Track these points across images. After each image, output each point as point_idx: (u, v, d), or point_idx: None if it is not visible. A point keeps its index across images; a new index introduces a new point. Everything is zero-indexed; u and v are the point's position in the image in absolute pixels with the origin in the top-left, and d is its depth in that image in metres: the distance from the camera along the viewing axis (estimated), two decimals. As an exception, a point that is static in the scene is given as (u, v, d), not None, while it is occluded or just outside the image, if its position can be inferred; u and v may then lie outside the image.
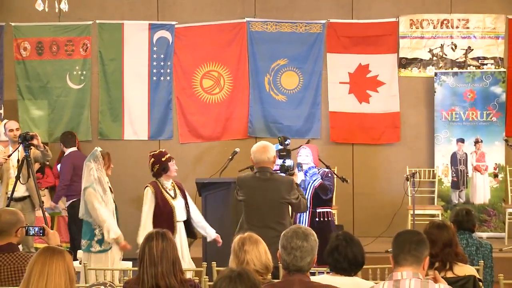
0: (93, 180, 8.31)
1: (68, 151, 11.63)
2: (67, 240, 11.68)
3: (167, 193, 8.48)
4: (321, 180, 9.04)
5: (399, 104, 12.77)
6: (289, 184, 7.90)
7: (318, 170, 9.21)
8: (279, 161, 8.53)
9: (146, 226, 8.29)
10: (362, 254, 5.34)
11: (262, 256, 5.10)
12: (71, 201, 11.46)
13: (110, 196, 8.44)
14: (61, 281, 4.30)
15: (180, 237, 8.50)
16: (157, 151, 8.68)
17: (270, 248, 5.15)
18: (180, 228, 8.52)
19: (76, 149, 11.74)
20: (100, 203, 8.29)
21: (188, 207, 8.65)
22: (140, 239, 7.85)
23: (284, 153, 8.61)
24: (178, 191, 8.62)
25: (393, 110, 12.78)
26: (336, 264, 5.26)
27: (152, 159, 8.52)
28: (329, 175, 9.18)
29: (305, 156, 9.31)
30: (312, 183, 9.01)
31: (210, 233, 8.75)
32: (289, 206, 8.00)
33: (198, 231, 8.84)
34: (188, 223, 8.64)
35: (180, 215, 8.51)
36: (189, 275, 6.83)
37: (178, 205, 8.50)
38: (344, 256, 5.24)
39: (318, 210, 9.10)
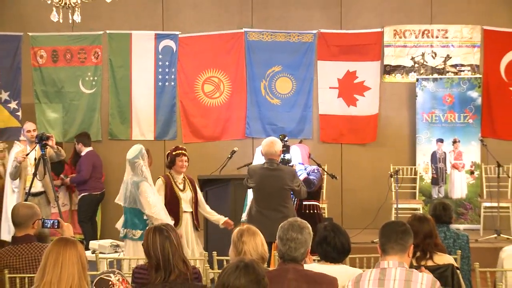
0: (145, 176, 8.12)
1: (86, 150, 11.72)
2: (80, 232, 11.69)
3: (177, 186, 8.51)
4: (306, 175, 9.06)
5: (384, 107, 12.79)
6: (292, 174, 8.42)
7: (305, 167, 9.22)
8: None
9: (157, 205, 8.25)
10: (348, 242, 5.33)
11: (258, 247, 5.10)
12: (82, 194, 11.54)
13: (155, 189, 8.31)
14: (74, 269, 4.31)
15: (187, 227, 8.52)
16: (174, 146, 8.76)
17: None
18: (187, 218, 8.55)
19: (92, 149, 11.82)
20: (153, 197, 8.12)
21: (197, 200, 8.67)
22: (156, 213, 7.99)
23: (284, 149, 8.82)
24: (189, 185, 8.64)
25: (379, 112, 12.79)
26: (326, 254, 5.24)
27: (168, 151, 8.69)
28: (315, 171, 9.20)
29: (293, 154, 9.37)
30: None
31: (220, 218, 8.79)
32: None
33: (208, 218, 8.95)
34: (194, 214, 8.67)
35: (186, 206, 8.55)
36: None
37: (185, 197, 8.54)
38: (333, 246, 5.22)
39: (304, 203, 9.09)
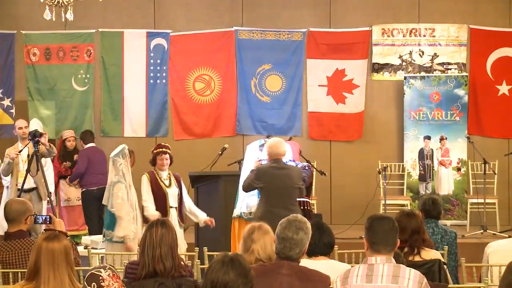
0: (121, 175, 8.15)
1: (86, 146, 11.62)
2: (70, 229, 11.56)
3: (162, 181, 8.48)
4: None
5: (372, 105, 12.81)
6: (299, 172, 8.35)
7: (296, 164, 9.17)
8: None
9: (148, 202, 8.32)
10: (333, 238, 5.46)
11: (267, 247, 5.05)
12: (81, 190, 11.49)
13: (134, 190, 8.32)
14: (67, 264, 4.27)
15: (173, 222, 8.48)
16: (157, 144, 8.71)
17: None
18: (173, 213, 8.53)
19: (94, 145, 11.72)
20: (123, 200, 8.12)
21: (182, 196, 8.64)
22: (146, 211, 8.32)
23: None
24: (174, 181, 8.60)
25: (366, 110, 12.80)
26: (310, 252, 5.24)
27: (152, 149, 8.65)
28: (306, 168, 9.16)
29: None
30: None
31: (201, 218, 8.79)
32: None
33: (189, 217, 8.89)
34: (178, 211, 8.64)
35: (172, 201, 8.53)
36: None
37: (171, 192, 8.53)
38: (317, 244, 5.24)
39: None
